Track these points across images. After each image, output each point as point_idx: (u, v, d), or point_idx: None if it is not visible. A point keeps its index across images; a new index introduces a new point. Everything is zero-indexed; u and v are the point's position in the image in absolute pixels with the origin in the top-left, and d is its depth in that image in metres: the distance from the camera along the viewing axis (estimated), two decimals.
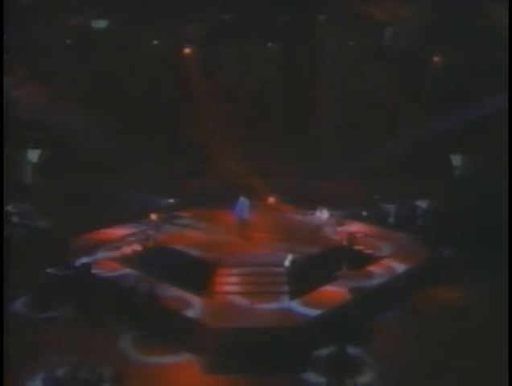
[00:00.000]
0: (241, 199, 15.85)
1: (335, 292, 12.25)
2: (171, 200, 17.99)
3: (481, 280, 13.49)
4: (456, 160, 20.30)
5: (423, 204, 18.30)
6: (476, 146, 19.40)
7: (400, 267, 13.75)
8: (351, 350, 10.38)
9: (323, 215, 17.45)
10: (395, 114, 19.91)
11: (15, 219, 16.29)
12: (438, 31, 18.69)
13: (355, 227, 16.84)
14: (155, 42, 20.43)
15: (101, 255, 14.12)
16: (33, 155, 19.17)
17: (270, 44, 21.18)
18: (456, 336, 11.17)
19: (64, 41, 19.23)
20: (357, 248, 14.86)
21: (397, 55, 20.28)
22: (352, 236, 15.35)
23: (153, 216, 16.70)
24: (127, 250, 14.50)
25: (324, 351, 10.46)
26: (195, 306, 11.57)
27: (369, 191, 19.16)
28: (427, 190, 18.71)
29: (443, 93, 19.90)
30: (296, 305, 11.65)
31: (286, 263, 13.08)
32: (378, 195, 18.97)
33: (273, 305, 11.70)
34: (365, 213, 18.25)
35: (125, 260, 13.93)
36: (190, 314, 11.23)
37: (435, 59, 20.27)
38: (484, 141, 18.98)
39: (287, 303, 11.80)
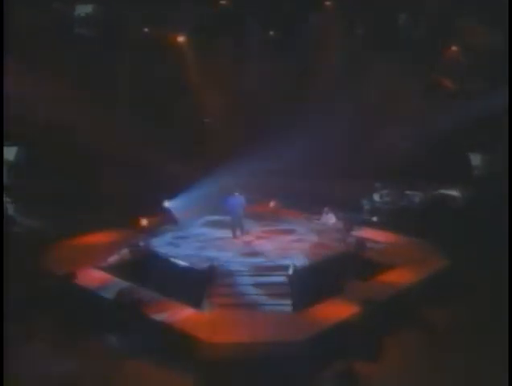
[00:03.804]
0: (236, 195, 15.98)
1: (342, 304, 12.22)
2: (166, 203, 18.07)
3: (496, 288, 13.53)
4: (474, 160, 20.37)
5: (433, 206, 18.44)
6: (492, 145, 19.47)
7: (413, 277, 13.73)
8: (359, 367, 10.39)
9: (329, 219, 17.48)
10: (404, 111, 19.98)
11: None
12: (457, 19, 18.76)
13: (364, 232, 16.91)
14: (146, 29, 20.43)
15: (85, 263, 14.10)
16: (9, 153, 19.15)
17: (271, 33, 21.23)
18: (472, 351, 11.19)
19: (48, 28, 19.19)
20: (366, 255, 14.89)
21: (410, 44, 20.31)
22: (361, 243, 15.40)
23: (143, 222, 16.73)
24: (115, 258, 14.54)
25: (331, 368, 10.44)
26: (189, 319, 11.57)
27: (375, 193, 19.24)
28: (437, 191, 18.81)
29: (460, 87, 20.02)
30: (300, 317, 11.68)
31: (289, 271, 13.11)
32: (388, 198, 19.05)
33: (275, 318, 11.72)
34: (374, 218, 18.34)
35: (113, 269, 13.94)
36: (184, 327, 11.20)
37: (452, 50, 20.37)
38: (499, 140, 19.06)
39: (290, 315, 11.82)
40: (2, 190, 15.69)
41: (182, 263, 14.14)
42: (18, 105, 16.68)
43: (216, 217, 17.88)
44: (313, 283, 12.78)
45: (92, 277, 13.49)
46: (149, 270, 13.56)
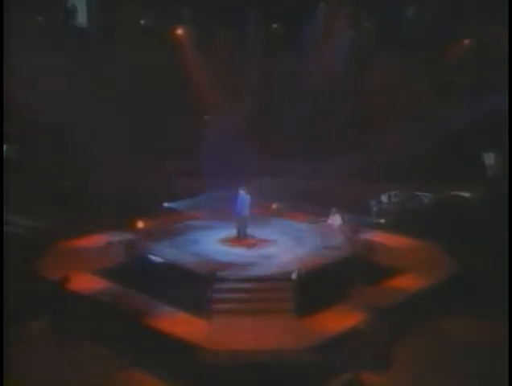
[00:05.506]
0: (241, 193, 15.83)
1: (348, 310, 12.16)
2: (165, 204, 17.98)
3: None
4: (485, 160, 20.23)
5: (443, 208, 18.27)
6: (501, 146, 19.33)
7: (424, 282, 13.60)
8: (366, 377, 10.24)
9: (335, 221, 17.31)
10: (411, 109, 19.86)
11: None
12: (467, 11, 18.64)
13: (371, 235, 16.76)
14: (142, 22, 20.38)
15: (81, 267, 14.01)
16: (9, 153, 19.14)
17: (274, 26, 21.14)
18: (485, 363, 10.98)
19: (39, 21, 19.21)
20: (374, 259, 14.71)
21: (418, 39, 20.22)
22: (368, 246, 15.21)
23: (140, 224, 16.59)
24: (110, 261, 14.43)
25: (336, 379, 10.32)
26: (188, 326, 11.49)
27: (383, 194, 19.12)
28: (448, 193, 18.62)
29: (469, 84, 19.91)
30: (304, 324, 11.56)
31: (293, 276, 12.94)
32: (396, 199, 18.93)
33: (278, 325, 11.59)
34: (382, 220, 18.20)
35: (108, 272, 13.85)
36: (182, 334, 11.09)
37: (463, 44, 20.24)
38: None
39: (294, 322, 11.70)
40: (2, 190, 15.66)
41: (181, 267, 13.98)
42: (18, 105, 16.74)
43: (218, 218, 17.75)
44: (318, 288, 12.61)
45: (88, 281, 13.41)
46: (146, 275, 13.49)
